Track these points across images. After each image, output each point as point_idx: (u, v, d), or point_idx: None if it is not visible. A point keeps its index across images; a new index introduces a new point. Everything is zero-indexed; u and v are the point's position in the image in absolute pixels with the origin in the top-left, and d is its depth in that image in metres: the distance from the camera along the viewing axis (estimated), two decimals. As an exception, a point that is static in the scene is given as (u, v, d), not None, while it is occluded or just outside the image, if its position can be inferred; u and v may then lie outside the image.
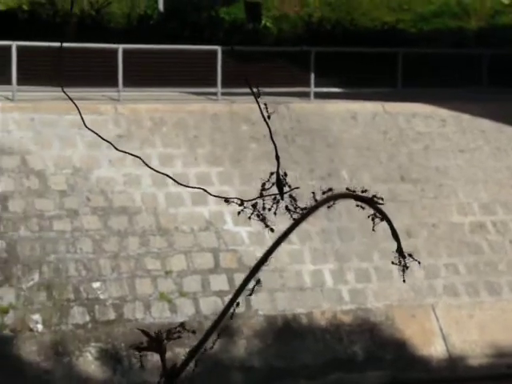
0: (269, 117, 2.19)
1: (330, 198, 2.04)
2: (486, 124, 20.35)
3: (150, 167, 2.57)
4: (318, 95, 20.40)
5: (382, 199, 2.10)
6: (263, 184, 2.13)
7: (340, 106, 19.81)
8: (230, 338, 16.05)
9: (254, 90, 2.22)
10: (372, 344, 16.80)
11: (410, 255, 2.15)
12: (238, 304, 2.10)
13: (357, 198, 2.06)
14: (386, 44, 23.02)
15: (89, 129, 2.47)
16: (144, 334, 2.11)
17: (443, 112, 20.25)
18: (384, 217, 2.09)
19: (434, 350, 17.09)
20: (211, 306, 16.18)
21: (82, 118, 2.43)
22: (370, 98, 20.09)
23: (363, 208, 2.14)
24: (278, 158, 2.15)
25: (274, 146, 2.15)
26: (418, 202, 18.74)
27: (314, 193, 2.07)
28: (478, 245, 18.57)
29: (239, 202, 2.14)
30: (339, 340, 16.70)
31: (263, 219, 2.14)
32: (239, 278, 16.39)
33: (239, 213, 2.16)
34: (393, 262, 2.16)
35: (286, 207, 2.09)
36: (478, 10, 30.59)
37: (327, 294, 17.08)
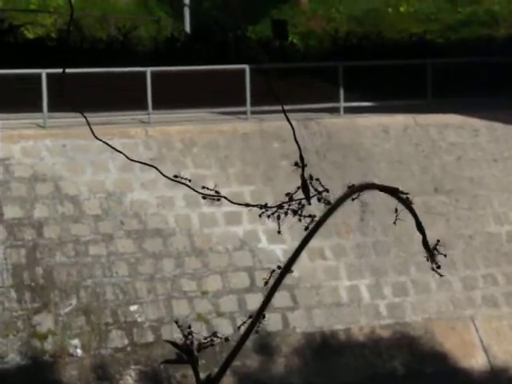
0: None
1: (355, 190, 2.01)
2: (518, 132, 20.14)
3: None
4: (348, 110, 20.32)
5: (408, 193, 2.06)
6: (288, 193, 2.09)
7: (370, 120, 19.72)
8: (268, 356, 15.97)
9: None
10: (412, 358, 16.63)
11: (436, 248, 2.09)
12: (263, 316, 2.06)
13: (381, 188, 2.03)
14: (414, 55, 22.90)
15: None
16: (174, 346, 2.06)
17: (475, 122, 20.08)
18: (408, 207, 2.05)
19: (475, 362, 16.88)
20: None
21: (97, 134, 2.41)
22: (401, 111, 19.97)
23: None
24: (302, 158, 2.08)
25: (298, 147, 2.09)
26: (453, 214, 18.57)
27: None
28: (516, 254, 18.34)
29: (261, 207, 2.10)
30: (378, 355, 16.56)
31: (279, 218, 2.10)
32: (276, 296, 16.30)
33: (260, 215, 2.13)
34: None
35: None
36: (506, 17, 30.39)
37: (364, 310, 16.95)
